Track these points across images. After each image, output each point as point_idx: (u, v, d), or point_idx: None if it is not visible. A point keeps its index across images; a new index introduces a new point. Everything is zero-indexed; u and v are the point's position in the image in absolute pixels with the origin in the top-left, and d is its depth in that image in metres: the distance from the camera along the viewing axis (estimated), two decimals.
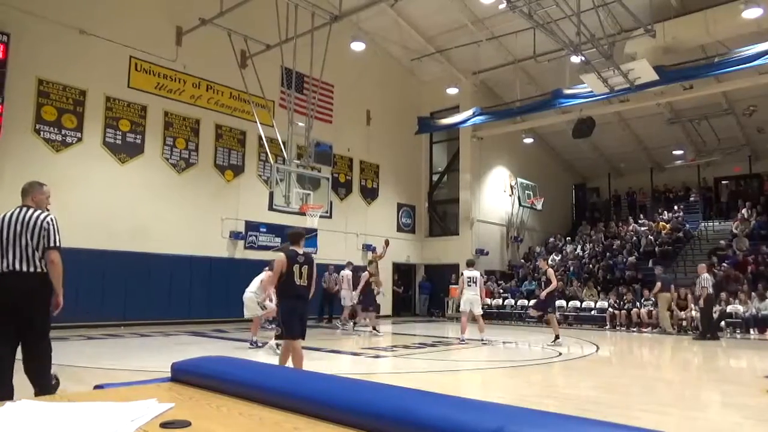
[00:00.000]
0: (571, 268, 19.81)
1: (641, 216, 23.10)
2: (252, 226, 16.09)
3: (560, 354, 9.84)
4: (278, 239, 16.44)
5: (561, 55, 15.50)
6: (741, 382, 7.62)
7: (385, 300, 19.32)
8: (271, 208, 13.84)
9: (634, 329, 15.14)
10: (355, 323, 14.36)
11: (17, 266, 4.12)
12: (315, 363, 8.20)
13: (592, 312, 16.83)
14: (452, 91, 19.65)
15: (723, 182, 23.48)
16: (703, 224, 21.48)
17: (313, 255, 6.48)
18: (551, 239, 23.27)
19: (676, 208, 22.45)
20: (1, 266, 4.13)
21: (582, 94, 15.64)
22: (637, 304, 15.71)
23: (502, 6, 13.39)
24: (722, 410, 5.74)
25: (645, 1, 14.67)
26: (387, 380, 6.71)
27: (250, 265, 13.57)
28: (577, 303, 17.38)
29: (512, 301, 18.59)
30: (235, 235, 15.68)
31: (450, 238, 21.03)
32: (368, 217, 19.74)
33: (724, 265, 16.59)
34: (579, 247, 21.88)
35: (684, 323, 14.69)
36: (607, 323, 15.92)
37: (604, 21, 13.54)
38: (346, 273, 14.51)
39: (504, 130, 20.53)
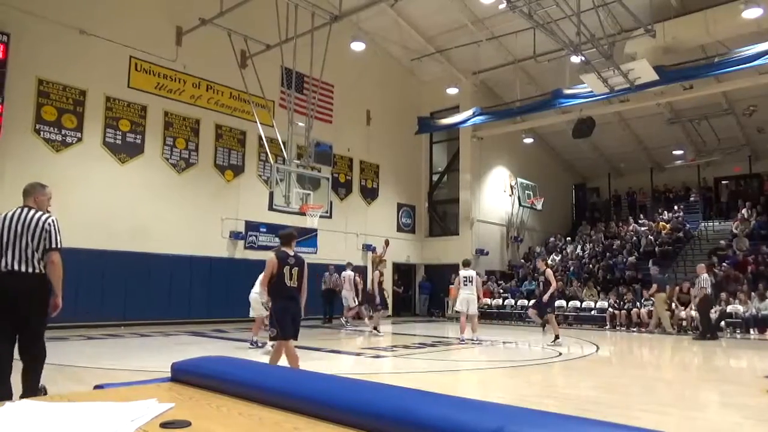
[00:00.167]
0: (571, 268, 19.81)
1: (641, 216, 23.10)
2: (252, 226, 16.09)
3: (560, 354, 9.84)
4: (278, 239, 16.41)
5: (561, 55, 15.50)
6: (741, 382, 7.62)
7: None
8: (271, 208, 13.85)
9: (634, 329, 15.13)
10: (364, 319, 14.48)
11: (15, 266, 4.12)
12: (315, 363, 8.20)
13: (592, 312, 16.83)
14: (452, 91, 19.65)
15: (723, 182, 23.48)
16: (703, 224, 21.48)
17: (304, 256, 6.50)
18: (551, 239, 23.27)
19: (676, 208, 22.45)
20: (1, 266, 4.13)
21: (582, 94, 15.64)
22: (637, 304, 15.71)
23: (502, 6, 13.38)
24: (722, 410, 5.74)
25: (645, 1, 14.67)
26: (387, 380, 6.72)
27: (250, 265, 13.57)
28: (577, 303, 17.38)
29: (512, 301, 18.58)
30: (235, 235, 15.68)
31: (450, 238, 21.03)
32: (368, 217, 19.74)
33: (724, 265, 16.60)
34: (579, 247, 21.88)
35: (684, 323, 14.68)
36: (607, 323, 15.92)
37: (604, 21, 13.54)
38: (349, 274, 14.52)
39: (504, 130, 20.53)
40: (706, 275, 13.08)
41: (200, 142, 15.31)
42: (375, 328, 12.83)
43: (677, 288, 14.84)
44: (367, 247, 19.14)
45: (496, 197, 22.02)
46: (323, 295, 15.60)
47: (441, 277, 20.04)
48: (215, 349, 9.38)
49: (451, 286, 16.98)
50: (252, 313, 9.94)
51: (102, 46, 13.34)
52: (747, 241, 17.86)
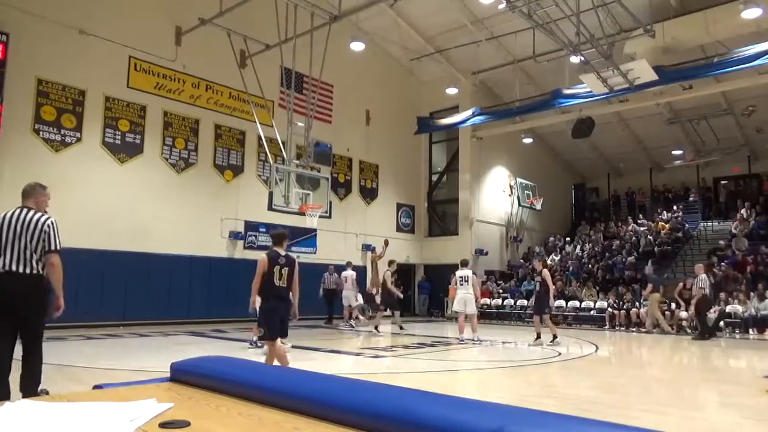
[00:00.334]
0: (571, 268, 19.82)
1: (640, 216, 23.11)
2: (251, 226, 16.08)
3: (559, 354, 9.84)
4: (270, 239, 16.41)
5: (560, 55, 15.50)
6: (740, 382, 7.62)
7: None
8: (270, 208, 13.85)
9: (633, 329, 15.13)
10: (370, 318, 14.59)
11: (13, 267, 4.12)
12: (315, 363, 8.20)
13: (592, 312, 16.84)
14: (452, 91, 19.65)
15: (722, 182, 23.50)
16: (702, 224, 21.50)
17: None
18: (551, 239, 23.28)
19: (675, 208, 22.47)
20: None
21: (581, 94, 15.64)
22: (636, 304, 15.71)
23: (502, 6, 13.39)
24: (722, 410, 5.74)
25: (644, 1, 14.68)
26: (387, 380, 6.71)
27: (250, 265, 13.44)
28: (577, 303, 17.38)
29: (512, 301, 18.58)
30: (234, 235, 15.68)
31: (449, 238, 21.04)
32: (367, 217, 19.74)
33: (722, 264, 16.61)
34: (578, 247, 21.88)
35: (683, 323, 14.69)
36: (607, 323, 15.92)
37: (604, 21, 13.55)
38: (351, 273, 14.53)
39: (503, 130, 20.54)
40: (704, 275, 13.08)
41: (200, 142, 15.30)
42: (376, 328, 12.86)
43: (681, 285, 14.80)
44: (367, 247, 19.14)
45: (495, 197, 22.03)
46: (325, 295, 15.60)
47: (440, 277, 20.03)
48: (214, 349, 9.38)
49: (450, 286, 17.01)
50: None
51: (101, 46, 13.33)
52: (746, 241, 17.87)
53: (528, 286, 18.84)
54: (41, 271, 4.20)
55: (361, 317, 14.66)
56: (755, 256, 16.64)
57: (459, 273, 11.64)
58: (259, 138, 15.01)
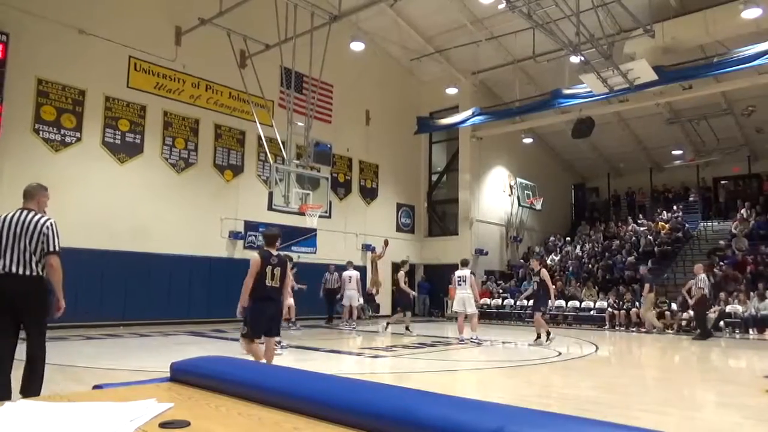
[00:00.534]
0: (571, 268, 19.82)
1: (640, 216, 23.11)
2: (251, 226, 16.08)
3: (559, 354, 9.84)
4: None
5: (560, 55, 15.50)
6: (740, 382, 7.62)
7: (384, 300, 19.34)
8: (270, 208, 13.86)
9: (633, 329, 15.14)
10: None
11: (14, 269, 4.14)
12: (315, 363, 8.20)
13: (592, 312, 16.84)
14: (451, 91, 19.65)
15: (722, 182, 23.50)
16: (702, 224, 21.50)
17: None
18: (551, 239, 23.28)
19: (675, 208, 22.47)
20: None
21: (581, 94, 15.64)
22: (636, 304, 15.71)
23: (502, 6, 13.38)
24: (722, 410, 5.74)
25: (644, 1, 14.67)
26: (387, 380, 6.72)
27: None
28: (577, 303, 17.38)
29: (511, 301, 18.58)
30: (234, 235, 15.68)
31: (449, 238, 21.03)
32: (367, 217, 19.74)
33: (721, 264, 16.61)
34: (578, 247, 21.88)
35: (684, 323, 14.70)
36: (606, 323, 15.92)
37: (604, 21, 13.54)
38: (355, 273, 14.53)
39: (503, 130, 20.53)
40: (703, 275, 13.08)
41: (199, 142, 15.30)
42: (387, 325, 12.94)
43: (691, 282, 14.70)
44: (367, 247, 19.15)
45: (495, 197, 22.03)
46: (325, 295, 15.59)
47: (440, 278, 20.02)
48: (214, 349, 9.38)
49: (450, 286, 17.03)
50: None
51: (101, 46, 13.33)
52: (746, 241, 17.87)
53: (528, 286, 18.81)
54: (41, 273, 4.22)
55: (352, 317, 14.60)
56: (755, 256, 16.64)
57: (458, 273, 11.66)
58: (259, 138, 15.01)
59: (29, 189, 4.39)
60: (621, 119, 21.48)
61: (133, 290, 13.29)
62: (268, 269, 5.94)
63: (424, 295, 20.96)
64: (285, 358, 8.44)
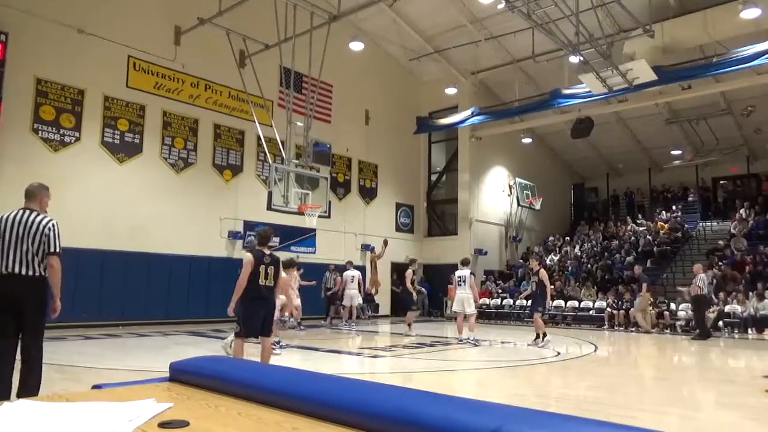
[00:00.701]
0: (570, 268, 19.83)
1: (639, 216, 23.13)
2: (250, 226, 16.04)
3: (558, 354, 9.84)
4: (277, 239, 16.40)
5: (560, 55, 15.51)
6: (740, 382, 7.63)
7: (383, 300, 19.35)
8: (269, 207, 13.85)
9: (633, 329, 15.14)
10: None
11: (17, 269, 4.16)
12: (315, 363, 8.20)
13: (591, 312, 16.84)
14: (451, 91, 19.65)
15: (721, 182, 23.53)
16: (701, 224, 21.52)
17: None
18: (550, 239, 23.30)
19: (674, 208, 22.50)
20: (1, 268, 4.16)
21: (580, 94, 15.64)
22: (636, 304, 15.70)
23: (501, 6, 13.39)
24: (721, 410, 5.75)
25: (643, 1, 14.68)
26: (386, 380, 6.72)
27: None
28: (576, 303, 17.38)
29: (511, 301, 18.58)
30: (233, 235, 15.67)
31: (449, 238, 21.04)
32: (367, 216, 19.74)
33: (721, 264, 16.62)
34: (577, 247, 21.89)
35: (683, 323, 14.71)
36: (606, 323, 15.93)
37: (603, 21, 13.55)
38: (357, 273, 14.54)
39: (503, 130, 20.54)
40: (703, 275, 13.09)
41: (199, 142, 15.29)
42: (409, 326, 12.92)
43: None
44: (366, 247, 19.15)
45: (494, 197, 22.03)
46: (326, 295, 15.60)
47: (440, 278, 20.04)
48: (214, 349, 9.37)
49: (450, 286, 17.03)
50: None
51: (100, 46, 13.32)
52: (745, 241, 17.89)
53: (527, 286, 18.81)
54: (43, 273, 4.24)
55: (352, 317, 14.60)
56: (754, 256, 16.66)
57: (458, 273, 11.66)
58: (259, 138, 14.99)
59: (31, 189, 4.39)
60: (620, 119, 21.50)
61: (133, 290, 13.28)
62: (262, 268, 5.97)
63: (424, 295, 20.95)
64: (285, 358, 8.44)
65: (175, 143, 14.82)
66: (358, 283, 14.47)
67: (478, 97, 20.15)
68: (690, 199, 23.54)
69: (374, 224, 19.77)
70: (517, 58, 18.21)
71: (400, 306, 13.36)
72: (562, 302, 17.41)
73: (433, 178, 22.56)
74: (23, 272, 4.16)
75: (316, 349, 10.00)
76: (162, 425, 1.22)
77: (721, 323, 13.97)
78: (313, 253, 17.12)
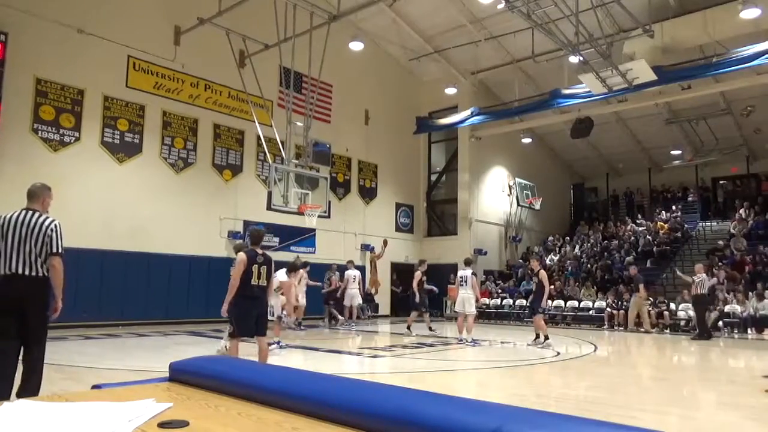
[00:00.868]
0: (569, 268, 19.83)
1: (639, 216, 23.13)
2: (250, 226, 16.06)
3: (558, 354, 9.84)
4: (276, 239, 16.43)
5: (559, 55, 15.52)
6: (740, 382, 7.63)
7: (383, 300, 19.35)
8: (269, 207, 13.85)
9: (634, 328, 15.14)
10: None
11: (20, 270, 4.17)
12: (315, 363, 8.20)
13: (590, 312, 16.84)
14: (451, 91, 19.65)
15: (721, 182, 23.54)
16: (701, 224, 21.53)
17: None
18: (550, 239, 23.30)
19: (674, 208, 22.51)
20: (4, 269, 4.17)
21: (580, 94, 15.65)
22: (631, 303, 15.70)
23: (501, 6, 13.39)
24: (721, 410, 5.75)
25: (643, 1, 14.68)
26: (386, 380, 6.72)
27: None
28: (575, 303, 17.39)
29: (510, 301, 18.59)
30: (233, 235, 15.66)
31: (448, 238, 21.04)
32: (366, 216, 19.73)
33: (721, 264, 16.62)
34: (577, 247, 21.89)
35: (682, 323, 14.72)
36: (605, 323, 15.93)
37: (603, 21, 13.55)
38: (357, 273, 14.53)
39: (502, 130, 20.54)
40: (704, 275, 13.10)
41: (198, 142, 15.29)
42: (430, 328, 12.89)
43: (714, 279, 14.56)
44: (366, 247, 19.14)
45: (494, 197, 22.03)
46: (328, 294, 15.58)
47: (439, 277, 20.00)
48: (214, 349, 9.36)
49: (449, 285, 17.04)
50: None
51: (100, 46, 13.32)
52: (744, 241, 17.90)
53: (527, 286, 18.84)
54: (45, 274, 4.25)
55: (352, 317, 14.59)
56: (754, 255, 16.67)
57: (460, 273, 11.68)
58: (258, 138, 14.98)
59: (33, 189, 4.39)
60: (620, 119, 21.50)
61: (132, 290, 13.28)
62: (254, 268, 5.97)
63: (423, 295, 20.92)
64: (285, 358, 8.44)
65: (175, 143, 14.81)
66: (359, 283, 14.49)
67: (477, 97, 20.15)
68: (690, 199, 23.55)
69: (374, 224, 19.77)
70: (516, 58, 18.21)
71: (421, 308, 13.19)
72: (562, 302, 17.41)
73: (433, 178, 22.56)
74: (26, 273, 4.17)
75: (316, 349, 10.00)
76: (162, 425, 1.22)
77: (720, 323, 13.98)
78: (312, 253, 17.12)
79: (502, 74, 19.61)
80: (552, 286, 14.84)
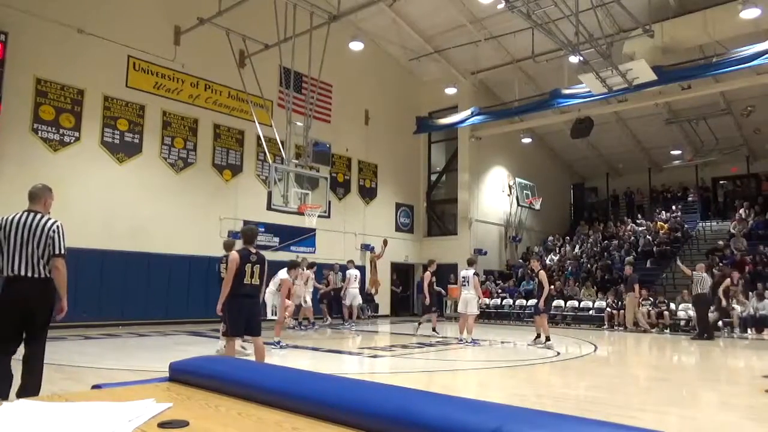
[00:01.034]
0: (569, 268, 19.83)
1: (639, 216, 23.14)
2: (243, 225, 16.05)
3: (558, 354, 9.84)
4: (276, 239, 16.43)
5: (559, 55, 15.52)
6: (739, 382, 7.63)
7: (383, 300, 19.35)
8: (269, 207, 13.86)
9: (634, 328, 15.14)
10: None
11: (22, 272, 4.16)
12: (315, 363, 8.21)
13: (590, 312, 16.85)
14: (451, 90, 19.65)
15: (721, 182, 23.54)
16: (701, 224, 21.53)
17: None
18: (549, 239, 23.30)
19: (674, 208, 22.50)
20: (7, 271, 4.17)
21: (580, 94, 15.65)
22: (641, 304, 15.70)
23: (501, 6, 13.39)
24: (721, 410, 5.75)
25: (643, 1, 14.68)
26: (386, 380, 6.72)
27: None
28: (575, 303, 17.39)
29: (510, 301, 18.59)
30: (233, 235, 15.57)
31: (448, 237, 21.04)
32: (366, 216, 19.73)
33: (720, 264, 16.62)
34: (577, 246, 21.89)
35: (682, 323, 14.72)
36: (605, 323, 15.93)
37: (603, 21, 13.56)
38: (357, 272, 14.54)
39: (502, 129, 20.54)
40: (705, 275, 13.10)
41: (198, 142, 15.29)
42: (434, 329, 12.86)
43: (728, 280, 14.32)
44: (366, 247, 19.14)
45: (494, 197, 22.03)
46: (322, 295, 15.59)
47: (439, 277, 19.93)
48: (213, 349, 9.36)
49: (450, 285, 17.04)
50: (269, 315, 10.13)
51: (100, 46, 13.31)
52: (744, 241, 17.90)
53: (527, 286, 18.85)
54: (48, 275, 4.25)
55: (352, 317, 14.59)
56: (754, 255, 16.67)
57: (462, 273, 11.68)
58: (258, 138, 14.98)
59: (35, 191, 4.38)
60: (620, 119, 21.50)
61: (132, 290, 13.28)
62: (247, 267, 5.95)
63: (423, 295, 20.94)
64: (285, 358, 8.44)
65: (175, 143, 14.81)
66: (359, 282, 14.50)
67: (477, 97, 20.15)
68: (690, 199, 23.54)
69: (374, 224, 19.77)
70: (516, 58, 18.21)
71: (430, 308, 13.09)
72: (561, 302, 17.41)
73: (433, 178, 22.56)
74: (29, 275, 4.17)
75: (316, 349, 10.00)
76: (162, 425, 1.22)
77: (720, 323, 13.98)
78: (312, 253, 17.11)
79: (502, 74, 19.61)
80: (552, 287, 14.82)
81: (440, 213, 22.25)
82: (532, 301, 17.04)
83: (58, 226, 4.29)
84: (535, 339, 11.10)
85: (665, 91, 16.83)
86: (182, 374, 1.70)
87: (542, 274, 11.20)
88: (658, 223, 21.30)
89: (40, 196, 4.36)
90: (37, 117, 12.43)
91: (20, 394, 3.94)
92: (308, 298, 13.20)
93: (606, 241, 21.53)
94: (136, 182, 13.84)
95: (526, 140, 21.81)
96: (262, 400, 1.44)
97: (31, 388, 4.09)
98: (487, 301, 18.64)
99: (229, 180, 15.91)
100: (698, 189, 23.56)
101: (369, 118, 19.96)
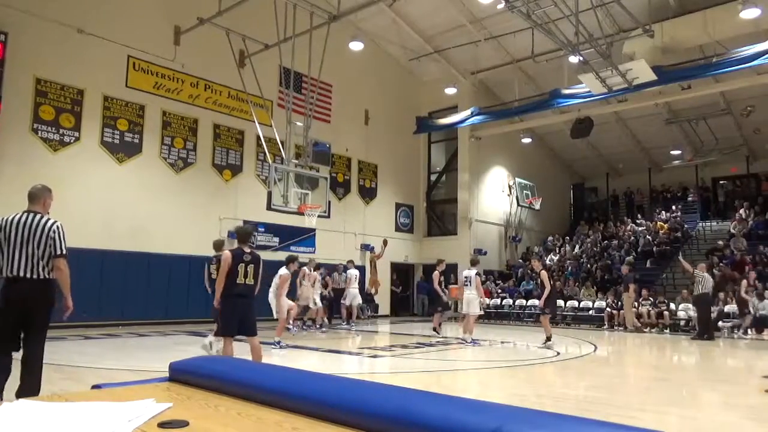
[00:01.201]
0: (569, 268, 19.83)
1: (639, 216, 23.13)
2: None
3: (558, 354, 9.84)
4: (276, 239, 16.42)
5: (559, 55, 15.52)
6: (740, 382, 7.63)
7: (383, 300, 19.35)
8: (269, 207, 13.87)
9: (632, 328, 15.14)
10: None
11: (22, 273, 4.17)
12: (314, 363, 8.21)
13: (590, 312, 16.85)
14: (451, 90, 19.65)
15: (721, 182, 23.53)
16: (701, 224, 21.53)
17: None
18: (549, 239, 23.30)
19: (673, 208, 22.50)
20: (7, 272, 4.17)
21: (580, 94, 15.65)
22: (635, 304, 15.70)
23: (501, 6, 13.39)
24: (721, 410, 5.75)
25: (643, 1, 14.69)
26: (386, 380, 6.72)
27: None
28: (575, 303, 17.39)
29: (510, 301, 18.59)
30: (233, 235, 15.62)
31: (448, 237, 21.03)
32: (366, 216, 19.73)
33: (720, 264, 16.62)
34: (577, 246, 21.89)
35: (682, 323, 14.72)
36: (605, 323, 15.93)
37: (603, 21, 13.56)
38: (357, 272, 14.56)
39: (502, 130, 20.55)
40: (706, 275, 13.09)
41: (198, 142, 15.29)
42: (437, 329, 12.79)
43: (744, 282, 14.27)
44: (366, 247, 19.14)
45: (494, 197, 22.04)
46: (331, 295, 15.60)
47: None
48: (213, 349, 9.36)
49: (451, 285, 17.03)
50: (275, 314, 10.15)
51: (100, 46, 13.31)
52: (744, 241, 17.89)
53: (527, 286, 18.85)
54: (48, 276, 4.25)
55: (352, 317, 14.59)
56: (754, 256, 16.66)
57: (465, 273, 11.67)
58: (258, 138, 14.98)
59: (34, 191, 4.38)
60: (620, 119, 21.50)
61: (132, 290, 13.28)
62: (241, 267, 5.93)
63: (423, 295, 20.93)
64: (285, 358, 8.44)
65: (175, 143, 14.81)
66: (359, 282, 14.51)
67: (477, 97, 20.15)
68: (689, 199, 23.55)
69: (374, 224, 19.77)
70: (516, 58, 18.21)
71: (436, 308, 13.06)
72: (561, 302, 17.40)
73: (433, 178, 22.56)
74: (29, 275, 4.17)
75: (317, 349, 9.99)
76: (161, 425, 1.22)
77: (720, 323, 13.97)
78: (312, 253, 17.11)
79: (502, 74, 19.61)
80: (551, 287, 14.83)
81: (440, 213, 22.25)
82: (533, 302, 17.11)
83: (58, 227, 4.30)
84: (545, 342, 11.00)
85: (665, 91, 16.83)
86: (182, 374, 1.69)
87: (543, 274, 11.20)
88: (658, 223, 21.30)
89: (39, 197, 4.36)
90: (37, 117, 12.43)
91: (20, 395, 3.93)
92: (318, 300, 13.19)
93: (606, 241, 21.53)
94: (136, 182, 13.83)
95: (526, 140, 21.81)
96: (261, 400, 1.44)
97: (30, 388, 4.09)
98: (487, 301, 18.63)
99: (229, 180, 15.91)
100: (698, 189, 23.56)
101: (369, 118, 19.96)
